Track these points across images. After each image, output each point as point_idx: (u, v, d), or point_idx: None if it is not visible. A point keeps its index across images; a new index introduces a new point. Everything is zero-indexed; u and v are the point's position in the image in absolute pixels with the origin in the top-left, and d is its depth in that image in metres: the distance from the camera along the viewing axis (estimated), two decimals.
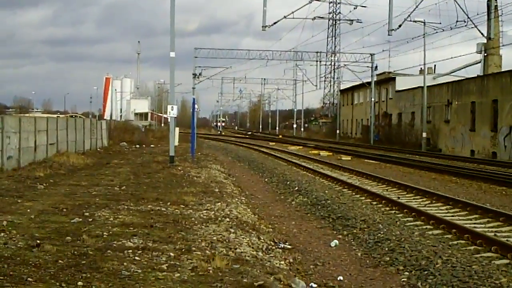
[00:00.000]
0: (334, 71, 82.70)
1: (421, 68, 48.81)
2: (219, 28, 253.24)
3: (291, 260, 8.77)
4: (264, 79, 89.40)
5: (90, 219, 9.92)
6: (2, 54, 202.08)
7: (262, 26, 45.00)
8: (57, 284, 6.06)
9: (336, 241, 10.28)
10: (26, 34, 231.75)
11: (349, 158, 31.12)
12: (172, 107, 23.97)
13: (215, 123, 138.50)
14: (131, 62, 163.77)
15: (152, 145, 39.21)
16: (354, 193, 16.04)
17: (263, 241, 9.43)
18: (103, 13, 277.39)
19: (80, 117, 56.36)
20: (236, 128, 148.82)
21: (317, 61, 57.47)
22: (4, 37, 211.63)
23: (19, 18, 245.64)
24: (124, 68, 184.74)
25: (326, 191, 16.25)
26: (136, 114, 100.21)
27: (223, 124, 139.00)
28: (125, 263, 6.95)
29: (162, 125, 76.45)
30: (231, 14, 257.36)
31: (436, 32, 38.73)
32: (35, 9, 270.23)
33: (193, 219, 10.40)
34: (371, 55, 54.10)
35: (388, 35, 38.44)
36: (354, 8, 51.04)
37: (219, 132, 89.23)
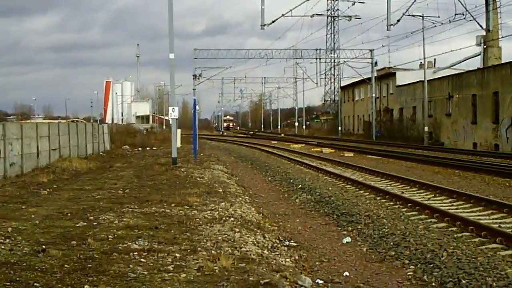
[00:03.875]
0: (334, 68, 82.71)
1: (421, 62, 48.76)
2: (224, 29, 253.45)
3: (296, 258, 8.77)
4: (265, 78, 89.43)
5: (95, 223, 9.95)
6: (7, 62, 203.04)
7: (261, 25, 45.04)
8: None
9: (348, 238, 10.28)
10: (32, 41, 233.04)
11: (352, 155, 31.12)
12: (173, 108, 23.97)
13: (216, 124, 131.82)
14: (135, 66, 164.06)
15: (154, 148, 39.24)
16: (357, 189, 16.04)
17: (268, 239, 9.44)
18: (110, 18, 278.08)
19: (81, 121, 56.44)
20: (238, 128, 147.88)
21: (316, 58, 57.42)
22: (9, 45, 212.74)
23: (27, 25, 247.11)
24: (128, 72, 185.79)
25: (330, 188, 16.25)
26: (137, 117, 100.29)
27: (231, 124, 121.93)
28: (131, 265, 6.97)
29: (164, 127, 76.48)
30: (238, 15, 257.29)
31: (435, 26, 38.78)
32: (43, 16, 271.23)
33: (197, 219, 10.41)
34: (371, 50, 54.03)
35: (387, 30, 38.47)
36: (353, 4, 51.15)
37: (220, 133, 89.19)
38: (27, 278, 6.40)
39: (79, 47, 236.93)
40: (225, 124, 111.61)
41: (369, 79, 55.08)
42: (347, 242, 10.02)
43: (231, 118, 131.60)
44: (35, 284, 6.19)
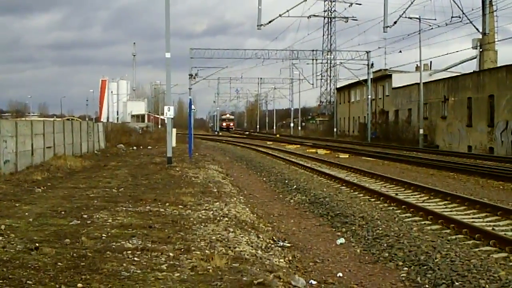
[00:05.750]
0: (330, 69, 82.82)
1: (417, 64, 48.93)
2: (225, 29, 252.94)
3: (290, 258, 8.77)
4: (261, 78, 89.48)
5: (89, 221, 9.92)
6: (6, 59, 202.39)
7: (258, 25, 44.99)
8: (57, 286, 6.06)
9: (342, 239, 10.29)
10: (32, 39, 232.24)
11: (347, 156, 31.16)
12: (169, 108, 23.95)
13: (212, 124, 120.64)
14: (135, 65, 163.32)
15: (149, 147, 39.18)
16: (352, 191, 16.07)
17: (262, 239, 9.44)
18: (111, 17, 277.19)
19: (76, 120, 56.26)
20: (233, 128, 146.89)
21: (313, 59, 57.47)
22: (9, 42, 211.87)
23: (29, 23, 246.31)
24: (126, 71, 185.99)
25: (324, 189, 16.27)
26: (133, 116, 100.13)
27: (231, 124, 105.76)
28: (124, 264, 6.95)
29: (159, 126, 76.38)
30: (239, 16, 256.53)
31: (432, 29, 38.86)
32: (45, 14, 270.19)
33: (191, 219, 10.40)
34: (367, 52, 54.12)
35: (384, 31, 38.55)
36: (350, 6, 51.19)
37: (216, 133, 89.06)
38: (19, 276, 6.37)
39: (79, 46, 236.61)
40: (223, 124, 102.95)
41: (365, 80, 55.16)
42: (341, 243, 10.03)
43: (231, 117, 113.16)
44: (27, 282, 6.16)
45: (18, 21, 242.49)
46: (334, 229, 11.29)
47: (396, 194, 14.97)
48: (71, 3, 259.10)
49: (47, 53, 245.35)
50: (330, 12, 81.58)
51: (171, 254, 7.54)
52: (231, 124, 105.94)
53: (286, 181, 18.87)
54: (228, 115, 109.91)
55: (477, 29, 37.24)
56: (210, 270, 6.78)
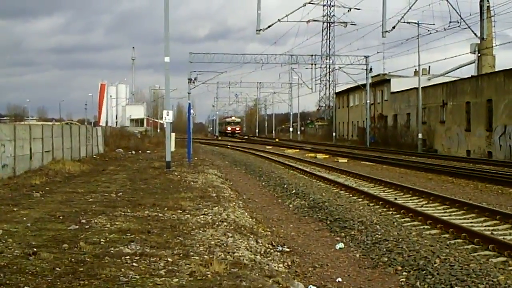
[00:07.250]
0: (329, 74, 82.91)
1: (415, 69, 48.95)
2: (227, 34, 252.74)
3: (289, 263, 8.75)
4: (260, 83, 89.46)
5: (87, 226, 9.89)
6: (7, 63, 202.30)
7: (257, 30, 44.95)
8: None
9: (341, 243, 10.27)
10: (34, 42, 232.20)
11: (346, 161, 31.16)
12: (168, 112, 23.94)
13: (211, 128, 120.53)
14: (135, 69, 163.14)
15: (148, 151, 39.16)
16: (351, 195, 16.05)
17: (261, 244, 9.41)
18: (114, 21, 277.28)
19: (75, 124, 56.19)
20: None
21: (312, 64, 57.49)
22: (11, 46, 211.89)
23: (32, 27, 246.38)
24: (127, 75, 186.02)
25: (323, 194, 16.25)
26: (131, 120, 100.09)
27: (237, 129, 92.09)
28: (122, 270, 6.93)
29: (158, 131, 76.32)
30: (241, 21, 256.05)
31: (430, 33, 38.90)
32: (49, 18, 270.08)
33: (190, 224, 10.37)
34: (366, 57, 54.16)
35: (382, 36, 38.51)
36: (348, 11, 51.15)
37: (215, 137, 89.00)
38: (17, 281, 6.34)
39: (81, 49, 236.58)
40: (228, 128, 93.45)
41: (364, 85, 55.19)
42: (340, 248, 10.01)
43: (237, 120, 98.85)
44: (25, 287, 6.14)
45: (20, 25, 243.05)
46: (333, 234, 11.27)
47: (395, 198, 14.97)
48: (74, 7, 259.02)
49: (48, 57, 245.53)
50: (329, 17, 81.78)
51: (169, 259, 7.52)
52: (237, 129, 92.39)
53: (285, 186, 18.85)
54: (233, 118, 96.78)
55: (475, 34, 37.23)
56: (209, 276, 6.76)
